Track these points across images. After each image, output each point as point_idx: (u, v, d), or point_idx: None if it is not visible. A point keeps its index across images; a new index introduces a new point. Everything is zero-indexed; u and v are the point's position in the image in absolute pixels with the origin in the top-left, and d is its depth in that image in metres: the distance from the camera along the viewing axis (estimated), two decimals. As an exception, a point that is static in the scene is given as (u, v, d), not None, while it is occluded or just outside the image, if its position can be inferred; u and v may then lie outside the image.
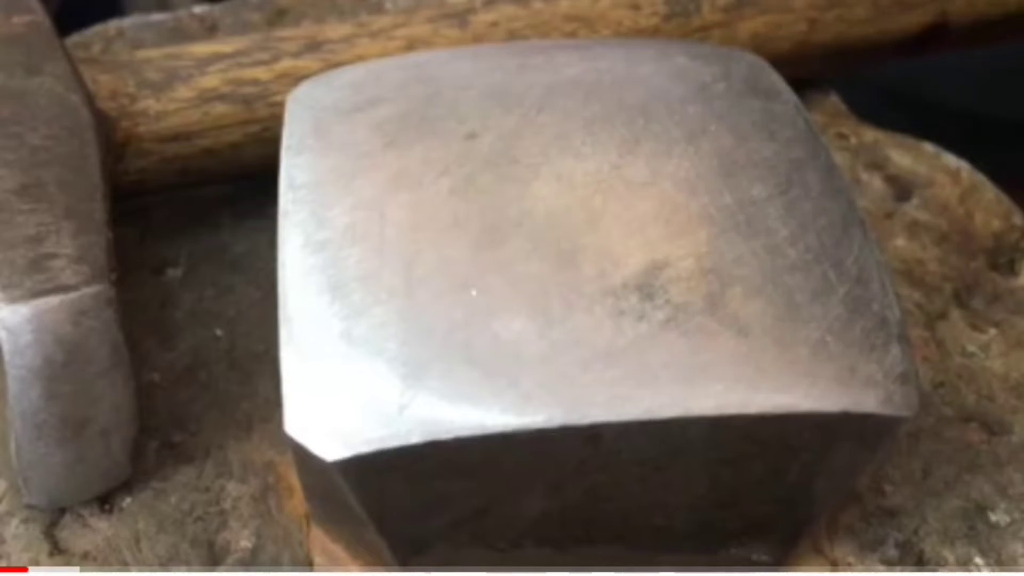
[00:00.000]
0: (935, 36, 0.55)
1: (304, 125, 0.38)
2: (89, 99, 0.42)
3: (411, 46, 0.47)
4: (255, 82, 0.45)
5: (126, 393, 0.36)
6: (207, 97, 0.45)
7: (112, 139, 0.43)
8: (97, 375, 0.35)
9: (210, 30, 0.57)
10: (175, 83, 0.45)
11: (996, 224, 0.49)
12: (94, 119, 0.41)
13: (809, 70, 0.53)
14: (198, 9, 0.59)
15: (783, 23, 0.51)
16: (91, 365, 0.35)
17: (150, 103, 0.44)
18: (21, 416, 0.34)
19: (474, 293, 0.32)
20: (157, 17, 0.58)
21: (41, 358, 0.34)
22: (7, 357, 0.34)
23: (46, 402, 0.34)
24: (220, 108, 0.45)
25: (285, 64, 0.46)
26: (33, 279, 0.34)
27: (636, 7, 0.50)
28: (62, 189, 0.37)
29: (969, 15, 0.55)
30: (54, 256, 0.35)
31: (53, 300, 0.34)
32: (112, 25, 0.57)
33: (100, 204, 0.38)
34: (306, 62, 0.46)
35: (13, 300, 0.34)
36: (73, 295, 0.34)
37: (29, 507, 0.37)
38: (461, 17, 0.48)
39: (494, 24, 0.48)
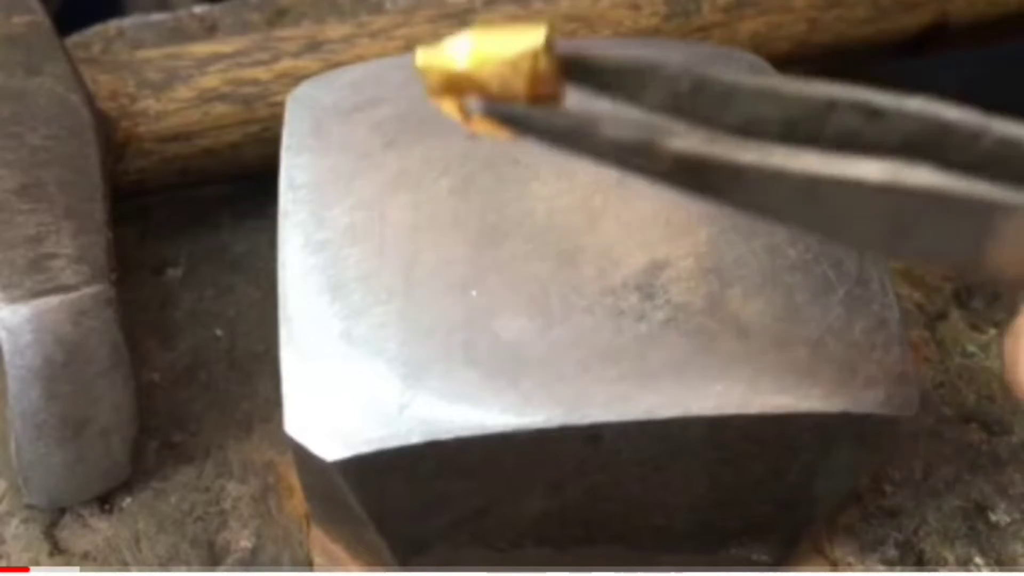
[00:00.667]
0: (935, 36, 0.55)
1: (304, 125, 0.38)
2: (89, 99, 0.42)
3: (411, 46, 0.47)
4: (255, 82, 0.45)
5: (126, 393, 0.36)
6: (207, 97, 0.45)
7: (112, 139, 0.43)
8: (97, 375, 0.35)
9: (210, 30, 0.57)
10: (175, 83, 0.45)
11: (996, 224, 0.49)
12: (94, 119, 0.41)
13: (809, 70, 0.53)
14: (198, 9, 0.58)
15: (783, 23, 0.51)
16: (91, 365, 0.35)
17: (150, 103, 0.44)
18: (21, 416, 0.34)
19: (474, 293, 0.32)
20: (157, 17, 0.58)
21: (41, 358, 0.34)
22: (7, 357, 0.34)
23: (46, 402, 0.34)
24: (220, 108, 0.45)
25: (285, 64, 0.46)
26: (33, 279, 0.34)
27: (636, 7, 0.50)
28: (62, 189, 0.37)
29: (969, 15, 0.55)
30: (54, 256, 0.35)
31: (53, 300, 0.34)
32: (112, 25, 0.57)
33: (100, 204, 0.38)
34: (306, 62, 0.46)
35: (13, 300, 0.34)
36: (73, 295, 0.34)
37: (29, 507, 0.37)
38: (461, 17, 0.48)
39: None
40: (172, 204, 0.48)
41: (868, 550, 0.37)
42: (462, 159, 0.36)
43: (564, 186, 0.35)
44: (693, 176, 0.27)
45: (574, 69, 0.27)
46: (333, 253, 0.33)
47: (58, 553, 0.37)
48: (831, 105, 0.27)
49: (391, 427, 0.30)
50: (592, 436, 0.31)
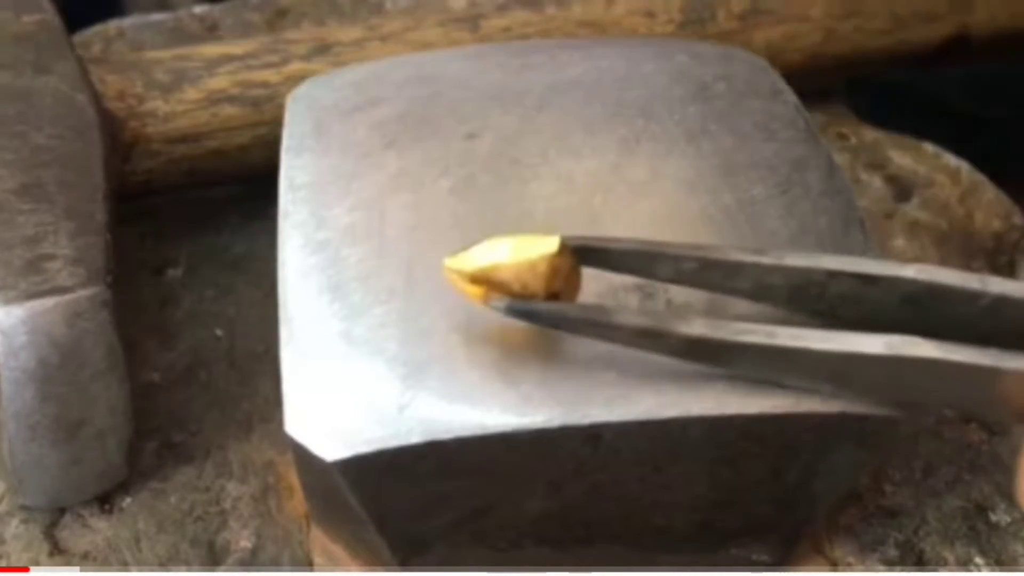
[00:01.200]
0: (956, 49, 0.55)
1: (304, 125, 0.38)
2: (96, 99, 0.41)
3: (422, 50, 0.47)
4: (264, 84, 0.45)
5: (121, 395, 0.36)
6: (216, 99, 0.45)
7: (119, 139, 0.43)
8: (92, 377, 0.35)
9: (210, 30, 0.57)
10: (183, 84, 0.44)
11: (996, 224, 0.49)
12: (100, 119, 0.41)
13: (824, 81, 0.53)
14: (198, 9, 0.59)
15: (799, 33, 0.51)
16: (86, 367, 0.35)
17: (158, 104, 0.44)
18: (15, 417, 0.34)
19: (474, 293, 0.32)
20: (157, 17, 0.58)
21: (35, 360, 0.34)
22: (2, 359, 0.34)
23: (40, 403, 0.34)
24: (229, 110, 0.45)
25: (295, 67, 0.45)
26: (29, 280, 0.34)
27: (651, 15, 0.50)
28: (63, 189, 0.37)
29: (990, 28, 0.55)
30: (51, 257, 0.35)
31: (48, 302, 0.34)
32: (112, 25, 0.57)
33: (101, 205, 0.38)
34: (316, 65, 0.46)
35: (8, 301, 0.34)
36: (68, 297, 0.34)
37: (25, 508, 0.37)
38: (472, 21, 0.48)
39: (506, 29, 0.48)
40: (173, 205, 0.48)
41: (868, 550, 0.37)
42: (462, 159, 0.36)
43: (564, 186, 0.35)
44: (703, 354, 0.30)
45: (589, 256, 0.31)
46: (333, 253, 0.33)
47: (58, 553, 0.37)
48: (831, 274, 0.30)
49: (391, 427, 0.30)
50: (592, 436, 0.31)
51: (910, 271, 0.30)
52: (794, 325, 0.30)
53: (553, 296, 0.30)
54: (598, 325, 0.30)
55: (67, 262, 0.35)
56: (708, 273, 0.31)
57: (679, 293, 0.32)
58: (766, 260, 0.31)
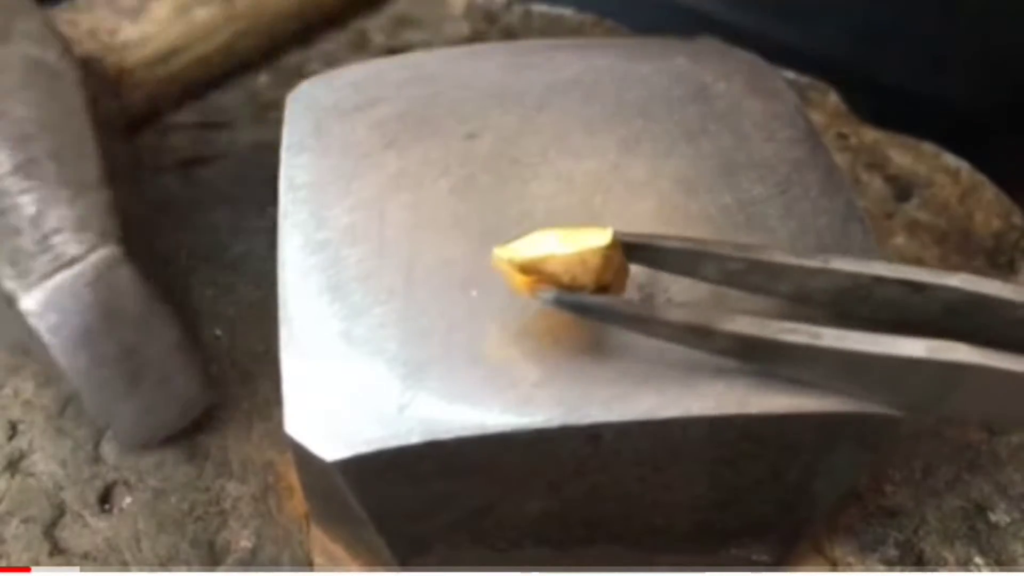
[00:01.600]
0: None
1: (304, 125, 0.38)
2: (67, 50, 0.41)
3: None
4: None
5: (170, 335, 0.37)
6: (185, 7, 0.44)
7: (103, 79, 0.42)
8: (134, 330, 0.36)
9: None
10: (150, 3, 0.44)
11: (996, 224, 0.49)
12: (76, 69, 0.40)
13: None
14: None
15: None
16: (123, 323, 0.36)
17: (130, 32, 0.43)
18: (82, 381, 0.36)
19: (474, 293, 0.32)
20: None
21: (72, 332, 0.35)
22: (45, 339, 0.35)
23: (96, 366, 0.36)
24: (201, 14, 0.44)
25: None
26: (40, 260, 0.35)
27: None
28: (54, 157, 0.37)
29: None
30: (57, 231, 0.35)
31: (64, 276, 0.35)
32: None
33: (93, 161, 0.38)
34: None
35: (29, 287, 0.34)
36: (80, 267, 0.35)
37: (29, 506, 0.37)
38: None
39: None
40: (172, 204, 0.48)
41: (868, 550, 0.37)
42: (462, 159, 0.36)
43: (564, 186, 0.35)
44: (747, 352, 0.30)
45: (637, 253, 0.31)
46: (333, 253, 0.33)
47: (58, 553, 0.37)
48: (877, 280, 0.30)
49: (391, 427, 0.30)
50: (592, 436, 0.31)
51: (954, 280, 0.30)
52: (834, 326, 0.30)
53: (602, 289, 0.30)
54: (645, 320, 0.30)
55: (73, 231, 0.35)
56: (752, 274, 0.31)
57: (679, 292, 0.32)
58: (811, 263, 0.31)
